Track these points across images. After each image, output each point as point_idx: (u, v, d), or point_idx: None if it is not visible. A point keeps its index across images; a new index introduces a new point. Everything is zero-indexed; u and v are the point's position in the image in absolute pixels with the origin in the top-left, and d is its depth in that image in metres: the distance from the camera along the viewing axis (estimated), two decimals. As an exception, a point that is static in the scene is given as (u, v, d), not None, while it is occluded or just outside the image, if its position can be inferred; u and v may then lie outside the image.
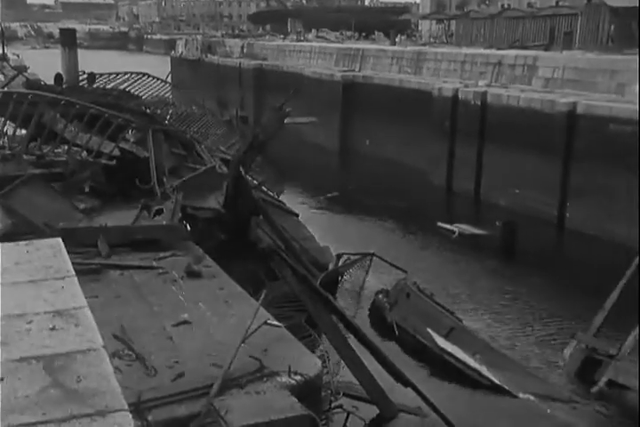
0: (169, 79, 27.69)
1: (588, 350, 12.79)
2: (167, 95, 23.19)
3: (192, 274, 9.09)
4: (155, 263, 9.50)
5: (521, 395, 11.95)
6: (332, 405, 9.31)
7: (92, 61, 40.95)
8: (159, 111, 19.97)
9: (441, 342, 13.24)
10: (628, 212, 19.82)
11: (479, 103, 26.26)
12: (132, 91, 20.81)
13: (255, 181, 16.25)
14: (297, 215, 16.94)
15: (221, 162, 16.50)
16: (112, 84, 20.92)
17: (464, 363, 12.73)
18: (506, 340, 14.53)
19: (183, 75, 55.22)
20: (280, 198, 18.34)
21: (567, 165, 22.46)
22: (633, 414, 11.52)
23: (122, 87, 20.54)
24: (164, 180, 13.16)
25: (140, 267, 9.36)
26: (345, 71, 38.47)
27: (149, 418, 5.63)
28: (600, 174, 21.00)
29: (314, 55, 45.86)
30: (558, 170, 22.56)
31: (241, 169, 11.96)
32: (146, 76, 22.01)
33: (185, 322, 7.55)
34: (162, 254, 9.84)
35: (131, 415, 2.97)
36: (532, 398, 11.91)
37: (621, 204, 20.30)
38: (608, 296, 13.16)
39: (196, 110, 23.40)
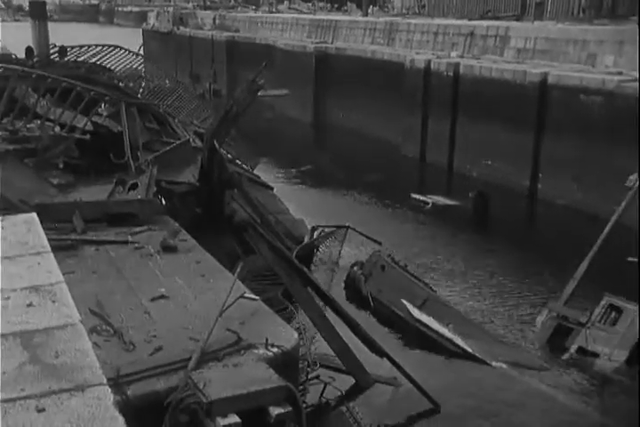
0: (141, 52, 27.45)
1: (559, 318, 13.01)
2: (139, 68, 22.98)
3: (168, 248, 9.10)
4: (130, 238, 9.50)
5: (494, 363, 12.14)
6: (310, 376, 9.45)
7: (62, 34, 40.44)
8: (132, 84, 19.81)
9: (415, 312, 13.36)
10: (599, 182, 20.00)
11: (451, 74, 26.22)
12: (104, 64, 20.62)
13: (229, 155, 16.21)
14: (271, 189, 16.95)
15: (195, 136, 16.45)
16: (83, 58, 20.70)
17: (438, 333, 12.89)
18: (478, 310, 14.68)
19: (155, 47, 54.65)
20: (254, 172, 18.34)
21: (539, 135, 22.56)
22: (601, 380, 11.77)
23: (93, 60, 20.34)
24: (139, 154, 13.10)
25: (115, 242, 9.37)
26: (317, 43, 38.23)
27: (128, 392, 5.68)
28: (571, 145, 21.14)
29: (286, 27, 45.48)
30: (530, 141, 22.65)
31: (215, 142, 11.92)
32: (117, 49, 21.80)
33: (162, 296, 7.59)
34: (137, 229, 9.85)
35: (109, 390, 3.02)
36: (504, 366, 12.11)
37: (592, 174, 20.47)
38: (578, 266, 13.36)
39: (168, 84, 23.23)
